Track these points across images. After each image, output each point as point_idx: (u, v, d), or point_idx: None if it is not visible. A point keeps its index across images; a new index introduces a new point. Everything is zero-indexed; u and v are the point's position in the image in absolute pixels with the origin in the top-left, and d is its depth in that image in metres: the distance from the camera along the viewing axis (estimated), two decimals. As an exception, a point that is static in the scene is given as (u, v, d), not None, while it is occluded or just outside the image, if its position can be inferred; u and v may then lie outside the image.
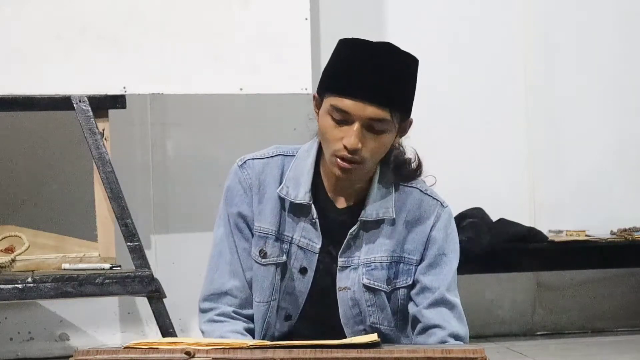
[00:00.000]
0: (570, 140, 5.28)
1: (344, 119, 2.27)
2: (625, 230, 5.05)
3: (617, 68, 5.31)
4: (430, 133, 4.91)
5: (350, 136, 2.26)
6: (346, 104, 2.26)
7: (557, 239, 4.98)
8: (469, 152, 5.20)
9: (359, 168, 2.30)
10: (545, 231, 5.04)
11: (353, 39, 2.32)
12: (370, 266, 2.37)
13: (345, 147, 2.26)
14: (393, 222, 2.38)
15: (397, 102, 2.28)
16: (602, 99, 5.31)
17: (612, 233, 5.07)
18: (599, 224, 5.13)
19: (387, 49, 2.30)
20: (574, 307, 5.32)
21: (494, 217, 4.99)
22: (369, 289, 2.38)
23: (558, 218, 5.19)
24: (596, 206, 5.24)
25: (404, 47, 2.36)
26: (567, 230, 5.05)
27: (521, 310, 5.30)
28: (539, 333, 5.30)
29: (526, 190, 5.27)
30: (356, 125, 2.26)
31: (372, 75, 2.26)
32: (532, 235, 4.94)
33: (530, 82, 5.27)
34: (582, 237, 4.98)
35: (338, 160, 2.29)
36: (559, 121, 5.28)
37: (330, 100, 2.28)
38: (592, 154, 5.29)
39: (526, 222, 5.06)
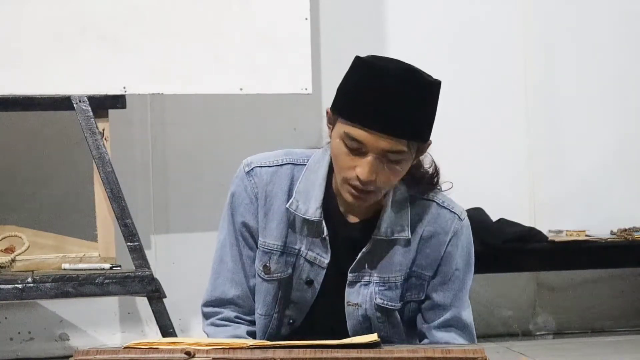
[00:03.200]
0: (570, 140, 5.28)
1: (357, 148, 2.14)
2: (625, 230, 5.05)
3: (617, 68, 5.31)
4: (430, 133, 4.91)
5: (363, 168, 2.14)
6: (360, 134, 2.13)
7: (557, 239, 4.98)
8: (469, 152, 5.20)
9: (372, 196, 2.20)
10: (545, 231, 5.04)
11: (371, 60, 2.17)
12: (384, 286, 2.30)
13: (358, 178, 2.16)
14: (408, 242, 2.29)
15: (415, 132, 2.17)
16: (602, 99, 5.31)
17: (612, 233, 5.07)
18: (599, 224, 5.13)
19: (409, 76, 2.15)
20: (574, 307, 5.32)
21: (494, 217, 4.99)
22: (381, 309, 2.31)
23: (558, 218, 5.20)
24: (596, 206, 5.24)
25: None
26: (567, 230, 5.05)
27: (521, 310, 5.30)
28: (539, 333, 5.30)
29: (526, 190, 5.27)
30: (370, 157, 2.14)
31: (388, 106, 2.11)
32: (532, 235, 4.94)
33: (530, 82, 5.27)
34: (582, 237, 4.98)
35: (350, 187, 2.19)
36: (559, 121, 5.28)
37: (343, 127, 2.15)
38: (592, 154, 5.29)
39: (526, 222, 5.06)
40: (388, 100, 2.12)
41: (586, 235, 5.01)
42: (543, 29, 5.27)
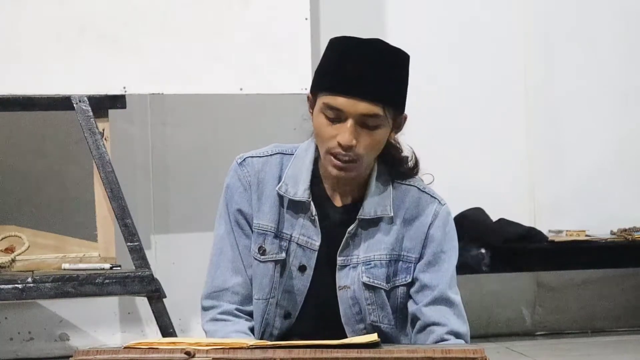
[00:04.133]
0: (570, 140, 5.28)
1: (337, 116, 2.29)
2: (625, 230, 5.05)
3: (617, 68, 5.31)
4: (431, 133, 4.91)
5: (344, 133, 2.27)
6: (338, 101, 2.27)
7: (557, 239, 4.98)
8: (469, 152, 5.20)
9: (355, 165, 2.31)
10: (545, 231, 5.04)
11: (343, 37, 2.34)
12: (369, 264, 2.38)
13: (339, 144, 2.28)
14: (391, 220, 2.39)
15: (388, 97, 2.30)
16: (602, 99, 5.31)
17: (612, 233, 5.07)
18: (599, 224, 5.13)
19: (377, 45, 2.32)
20: (574, 307, 5.32)
21: (494, 217, 4.99)
22: (368, 287, 2.38)
23: (558, 218, 5.19)
24: (596, 206, 5.24)
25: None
26: (567, 230, 5.05)
27: (521, 310, 5.30)
28: (539, 333, 5.30)
29: (526, 190, 5.27)
30: (349, 122, 2.27)
31: (362, 72, 2.27)
32: (532, 235, 4.94)
33: (530, 82, 5.27)
34: (582, 237, 4.98)
35: (333, 158, 2.30)
36: (559, 121, 5.28)
37: (322, 99, 2.31)
38: (592, 154, 5.29)
39: (526, 222, 5.06)
40: (362, 66, 2.28)
41: (586, 235, 5.01)
42: (543, 29, 5.27)
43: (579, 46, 5.29)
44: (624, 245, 4.96)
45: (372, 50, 2.30)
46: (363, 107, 2.27)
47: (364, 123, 2.28)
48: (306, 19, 4.25)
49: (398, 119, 2.36)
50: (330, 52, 2.33)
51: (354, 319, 2.39)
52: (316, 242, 2.38)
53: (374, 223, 2.39)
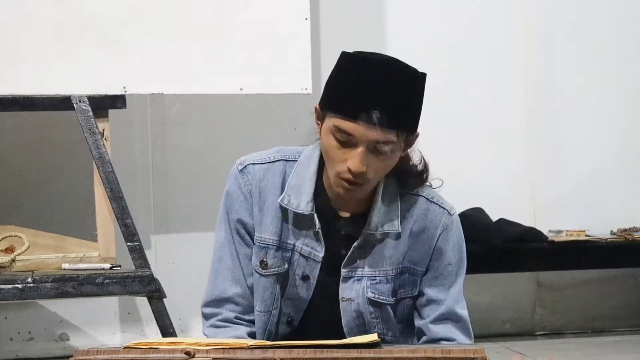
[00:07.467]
0: (570, 140, 5.28)
1: (347, 140, 2.19)
2: (625, 230, 5.05)
3: (617, 68, 5.31)
4: (430, 133, 4.88)
5: (354, 159, 2.18)
6: (349, 126, 2.17)
7: (557, 239, 4.98)
8: (469, 152, 5.20)
9: (363, 188, 2.24)
10: (545, 231, 5.04)
11: (356, 54, 2.23)
12: (375, 280, 2.33)
13: (349, 170, 2.19)
14: (398, 236, 2.33)
15: (403, 123, 2.20)
16: (602, 99, 5.31)
17: (612, 233, 5.07)
18: (599, 224, 5.13)
19: (393, 66, 2.20)
20: (574, 307, 5.32)
21: (494, 217, 4.99)
22: (373, 302, 2.34)
23: (558, 218, 5.19)
24: (596, 206, 5.24)
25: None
26: (567, 230, 5.05)
27: (521, 310, 5.30)
28: (539, 333, 5.30)
29: (526, 190, 5.27)
30: (360, 149, 2.18)
31: (376, 97, 2.15)
32: (532, 235, 4.94)
33: (530, 82, 5.27)
34: (582, 237, 4.97)
35: (341, 180, 2.22)
36: (559, 121, 5.28)
37: (332, 121, 2.20)
38: (592, 154, 5.29)
39: (526, 222, 5.06)
40: (374, 91, 2.16)
41: (586, 235, 5.01)
42: (543, 29, 5.27)
43: (579, 46, 5.29)
44: (624, 245, 4.96)
45: (388, 73, 2.17)
46: (375, 134, 2.16)
47: (375, 149, 2.19)
48: (306, 19, 4.25)
49: (410, 138, 2.27)
50: (342, 70, 2.21)
51: (356, 330, 2.35)
52: (320, 253, 2.33)
53: (380, 237, 2.32)
